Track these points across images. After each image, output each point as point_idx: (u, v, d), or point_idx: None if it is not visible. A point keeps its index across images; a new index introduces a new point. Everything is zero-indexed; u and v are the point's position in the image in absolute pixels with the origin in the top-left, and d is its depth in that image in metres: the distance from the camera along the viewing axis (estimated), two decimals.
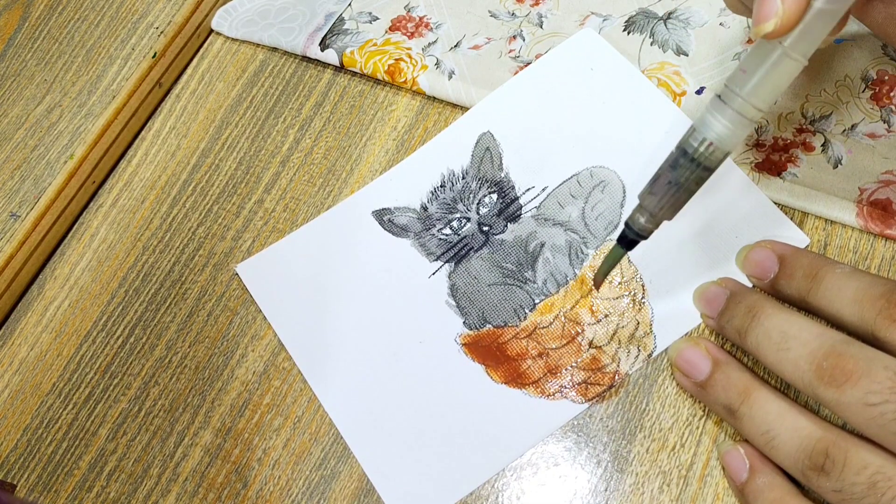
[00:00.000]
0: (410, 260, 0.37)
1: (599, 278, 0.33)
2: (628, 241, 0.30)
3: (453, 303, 0.36)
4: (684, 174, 0.28)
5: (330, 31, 0.44)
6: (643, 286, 0.35)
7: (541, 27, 0.42)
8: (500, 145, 0.39)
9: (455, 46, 0.42)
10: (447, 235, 0.37)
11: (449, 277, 0.37)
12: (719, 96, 0.28)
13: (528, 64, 0.41)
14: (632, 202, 0.36)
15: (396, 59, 0.42)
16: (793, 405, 0.29)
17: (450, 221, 0.38)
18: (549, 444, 0.33)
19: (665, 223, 0.31)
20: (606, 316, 0.34)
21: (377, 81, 0.43)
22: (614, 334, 0.34)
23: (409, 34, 0.43)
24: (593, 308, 0.35)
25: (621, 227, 0.32)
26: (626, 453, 0.32)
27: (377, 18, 0.44)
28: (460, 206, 0.38)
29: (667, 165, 0.29)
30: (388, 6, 0.44)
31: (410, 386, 0.35)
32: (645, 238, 0.30)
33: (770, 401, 0.29)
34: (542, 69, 0.40)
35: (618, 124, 0.38)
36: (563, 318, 0.35)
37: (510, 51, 0.41)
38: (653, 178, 0.29)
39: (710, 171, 0.28)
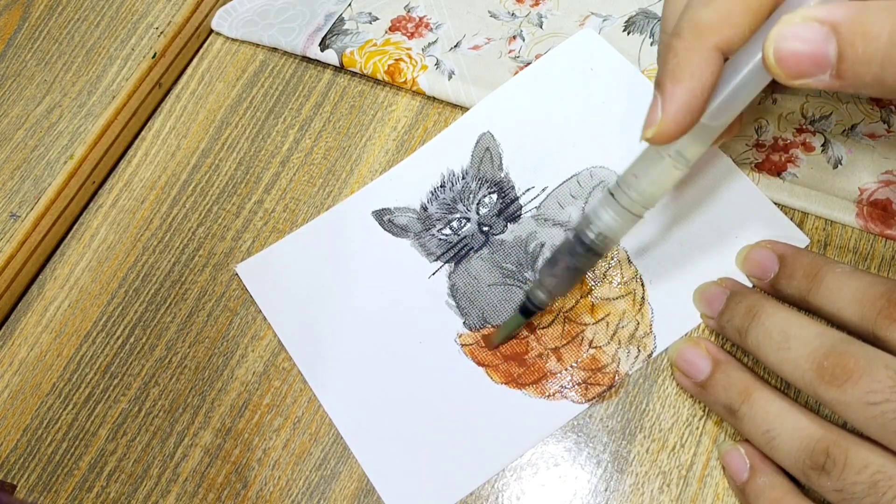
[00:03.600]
0: (410, 260, 0.37)
1: (495, 340, 0.35)
2: (528, 311, 0.33)
3: (453, 303, 0.36)
4: (581, 260, 0.32)
5: (330, 31, 0.44)
6: (643, 286, 0.35)
7: (541, 27, 0.42)
8: (500, 145, 0.39)
9: (455, 47, 0.42)
10: (447, 236, 0.37)
11: (449, 278, 0.37)
12: (610, 192, 0.31)
13: (528, 64, 0.41)
14: None
15: (396, 60, 0.42)
16: (793, 405, 0.29)
17: (450, 221, 0.38)
18: (549, 445, 0.33)
19: (669, 226, 0.34)
20: (606, 316, 0.34)
21: (377, 82, 0.43)
22: (614, 334, 0.34)
23: (409, 34, 0.43)
24: (593, 308, 0.35)
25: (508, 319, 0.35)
26: (625, 453, 0.32)
27: (377, 19, 0.44)
28: (460, 207, 0.38)
29: (565, 251, 0.32)
30: (387, 6, 0.44)
31: (410, 386, 0.35)
32: (542, 310, 0.33)
33: (770, 400, 0.29)
34: (542, 69, 0.40)
35: (618, 124, 0.38)
36: (562, 319, 0.35)
37: (510, 51, 0.41)
38: (551, 260, 0.32)
39: (600, 256, 0.32)
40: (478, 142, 0.39)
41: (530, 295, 0.33)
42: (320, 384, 0.35)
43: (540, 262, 0.36)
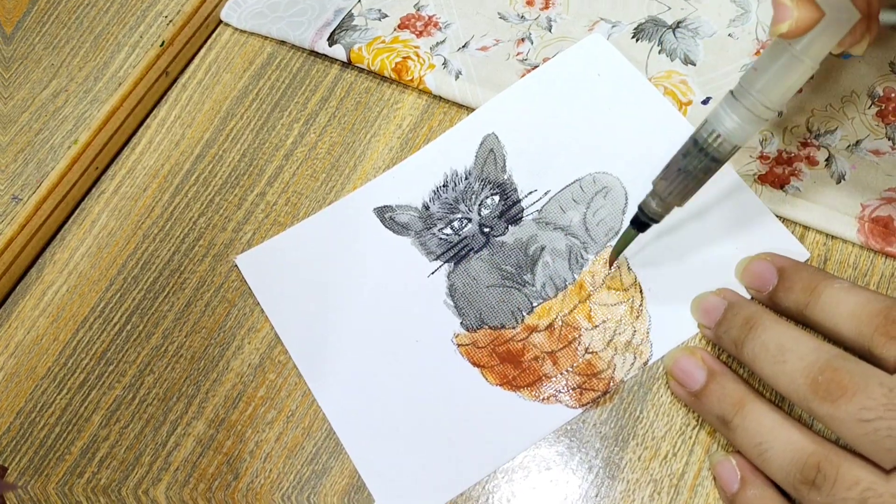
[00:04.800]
0: (410, 258, 0.37)
1: (613, 256, 0.34)
2: (640, 223, 0.32)
3: (451, 303, 0.36)
4: (694, 163, 0.30)
5: (339, 26, 0.44)
6: (642, 294, 0.35)
7: (549, 31, 0.42)
8: (505, 147, 0.39)
9: (463, 47, 0.42)
10: (448, 235, 0.37)
11: (448, 277, 0.37)
12: (732, 92, 0.29)
13: (536, 67, 0.41)
14: (633, 206, 0.36)
15: (404, 57, 0.42)
16: (786, 418, 0.29)
17: (451, 221, 0.38)
18: (542, 448, 0.33)
19: (671, 235, 0.33)
20: (604, 322, 0.34)
21: (384, 79, 0.43)
22: (611, 340, 0.34)
23: (417, 33, 0.43)
24: (591, 313, 0.35)
25: (621, 229, 0.35)
26: (618, 460, 0.32)
27: (386, 16, 0.44)
28: (462, 207, 0.38)
29: (679, 154, 0.30)
30: (397, 4, 0.44)
31: (405, 384, 0.35)
32: (656, 221, 0.32)
33: (764, 413, 0.29)
34: (549, 73, 0.40)
35: (623, 131, 0.38)
36: (560, 323, 0.35)
37: (518, 53, 0.41)
38: (666, 166, 0.31)
39: (718, 161, 0.30)
40: (482, 143, 0.39)
41: (643, 205, 0.32)
42: (315, 378, 0.35)
43: (540, 266, 0.36)
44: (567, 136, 0.38)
